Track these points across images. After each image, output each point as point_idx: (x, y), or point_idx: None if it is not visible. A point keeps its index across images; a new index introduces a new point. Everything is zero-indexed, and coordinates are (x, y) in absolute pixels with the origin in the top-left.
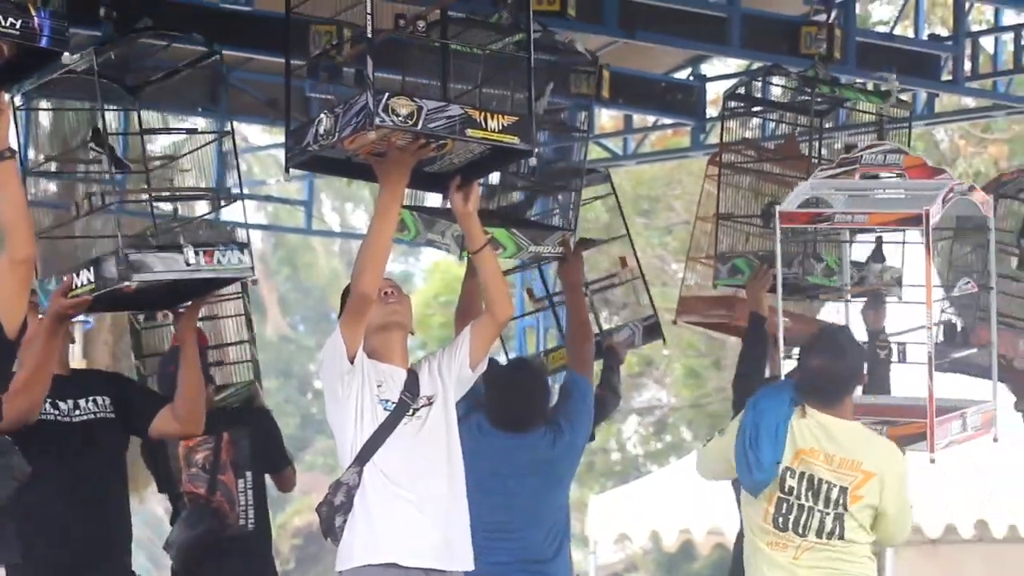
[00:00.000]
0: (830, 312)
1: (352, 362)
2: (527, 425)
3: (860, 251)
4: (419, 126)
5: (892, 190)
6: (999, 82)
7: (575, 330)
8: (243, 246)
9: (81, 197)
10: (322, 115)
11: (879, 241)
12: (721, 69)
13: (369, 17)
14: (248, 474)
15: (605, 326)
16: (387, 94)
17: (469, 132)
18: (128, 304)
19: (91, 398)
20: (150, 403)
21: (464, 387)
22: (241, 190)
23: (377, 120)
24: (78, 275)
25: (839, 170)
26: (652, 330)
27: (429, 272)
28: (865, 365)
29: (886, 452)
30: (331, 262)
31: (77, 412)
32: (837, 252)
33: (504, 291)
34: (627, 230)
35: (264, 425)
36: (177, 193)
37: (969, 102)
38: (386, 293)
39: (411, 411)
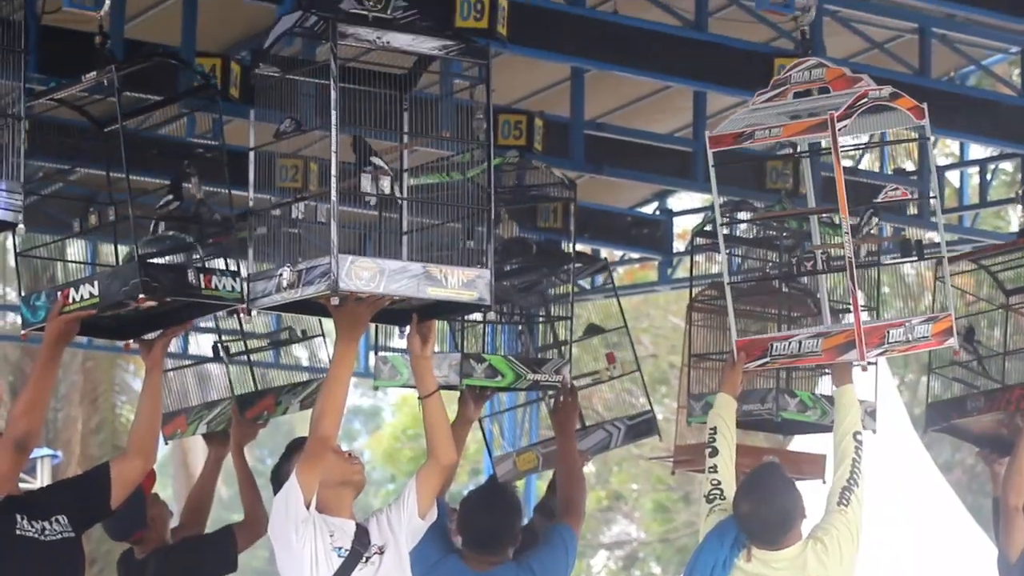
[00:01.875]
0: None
1: (308, 508)
2: (497, 544)
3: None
4: (381, 288)
5: (813, 104)
6: (965, 216)
7: (566, 478)
8: (235, 274)
9: (85, 213)
10: (285, 269)
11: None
12: (688, 203)
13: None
14: None
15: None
16: (350, 259)
17: (430, 291)
18: (107, 330)
19: (53, 518)
20: (97, 476)
21: (416, 536)
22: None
23: (340, 285)
24: (76, 289)
25: (773, 92)
26: (643, 428)
27: (397, 407)
28: (802, 500)
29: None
30: None
31: (46, 533)
32: (809, 387)
33: (449, 437)
34: (624, 322)
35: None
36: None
37: (935, 237)
38: (349, 454)
39: (364, 559)
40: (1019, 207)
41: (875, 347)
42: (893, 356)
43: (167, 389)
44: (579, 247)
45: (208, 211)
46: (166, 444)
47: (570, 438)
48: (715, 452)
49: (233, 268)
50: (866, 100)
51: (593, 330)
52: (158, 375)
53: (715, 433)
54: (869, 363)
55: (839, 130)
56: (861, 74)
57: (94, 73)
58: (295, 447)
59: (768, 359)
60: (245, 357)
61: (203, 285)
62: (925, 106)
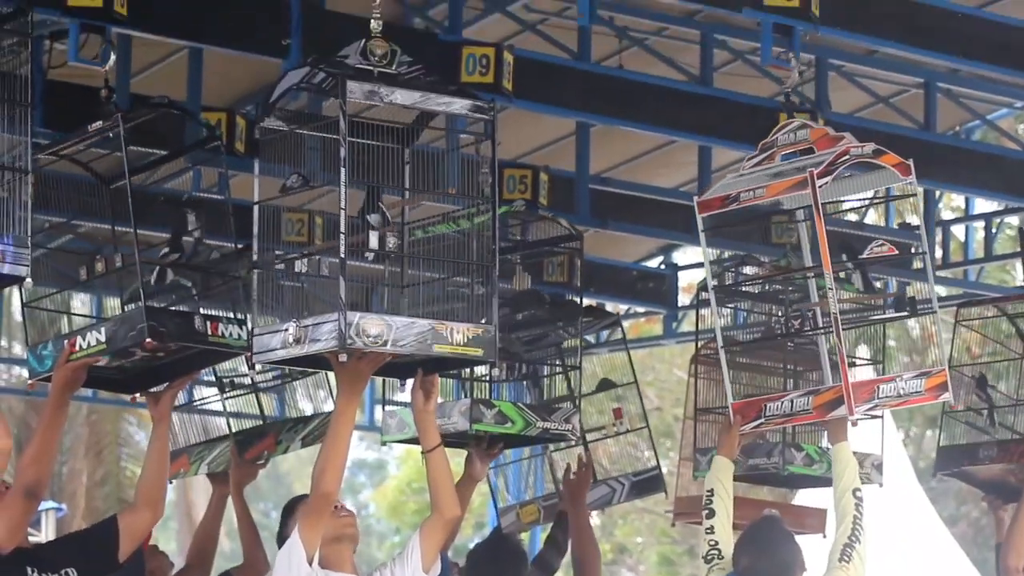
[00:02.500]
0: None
1: (310, 564)
2: None
3: None
4: (388, 345)
5: (798, 165)
6: (969, 270)
7: (582, 548)
8: (241, 322)
9: (92, 261)
10: (291, 324)
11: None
12: (693, 257)
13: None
14: None
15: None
16: (358, 315)
17: (436, 348)
18: (113, 383)
19: (63, 571)
20: (105, 528)
21: None
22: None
23: (348, 342)
24: (83, 337)
25: (761, 156)
26: (648, 484)
27: (402, 459)
28: (802, 554)
29: None
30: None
31: None
32: (815, 440)
33: (452, 491)
34: (635, 378)
35: None
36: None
37: (941, 290)
38: (337, 507)
39: None
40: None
41: (865, 402)
42: (887, 411)
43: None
44: (588, 301)
45: (207, 249)
46: (170, 483)
47: (583, 507)
48: (712, 513)
49: (240, 316)
50: (848, 157)
51: (605, 384)
52: (165, 428)
53: (712, 494)
54: (864, 417)
55: (820, 187)
56: (843, 132)
57: (100, 123)
58: (292, 507)
59: (762, 420)
60: (247, 389)
61: (210, 332)
62: (911, 162)
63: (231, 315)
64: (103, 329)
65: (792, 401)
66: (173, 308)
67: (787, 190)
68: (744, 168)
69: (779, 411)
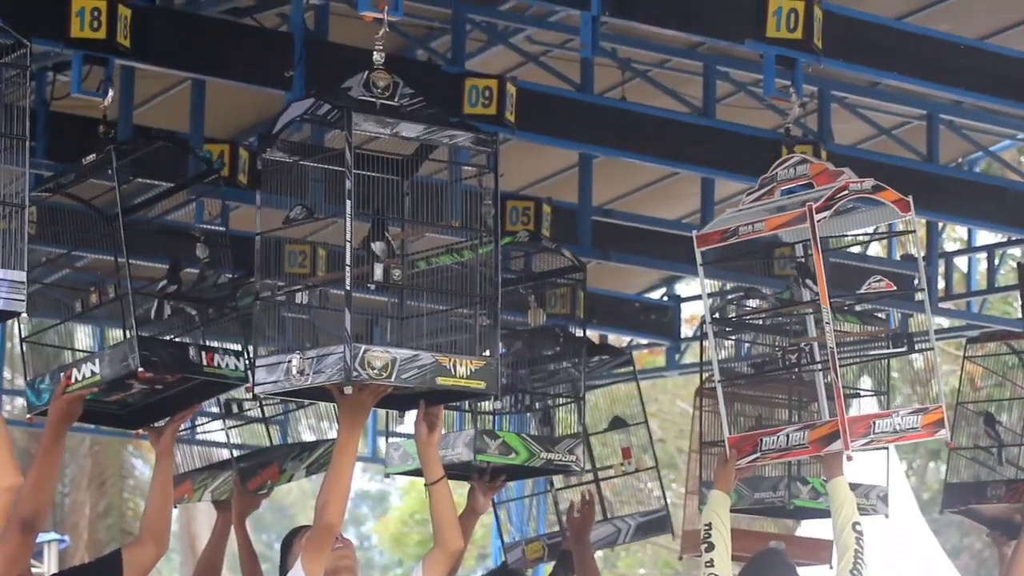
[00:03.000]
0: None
1: None
2: None
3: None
4: (393, 378)
5: (797, 200)
6: (972, 302)
7: None
8: (239, 354)
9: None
10: (294, 356)
11: None
12: (695, 289)
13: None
14: None
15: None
16: (363, 348)
17: (439, 380)
18: (116, 418)
19: None
20: (109, 563)
21: None
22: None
23: (354, 375)
24: (78, 369)
25: (761, 191)
26: (655, 525)
27: (405, 491)
28: None
29: None
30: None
31: None
32: (821, 474)
33: (455, 524)
34: (645, 417)
35: None
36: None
37: (943, 322)
38: (336, 538)
39: None
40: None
41: (860, 437)
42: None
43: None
44: (590, 333)
45: (215, 274)
46: (175, 508)
47: (587, 545)
48: (711, 547)
49: (237, 348)
50: (847, 192)
51: (617, 423)
52: (168, 462)
53: (710, 528)
54: (860, 451)
55: (818, 221)
56: (843, 168)
57: (93, 156)
58: (290, 541)
59: (758, 454)
60: (252, 418)
61: (205, 363)
62: (910, 198)
63: (229, 346)
64: (97, 361)
65: (788, 435)
66: (167, 338)
67: (786, 224)
68: (744, 203)
69: (775, 445)
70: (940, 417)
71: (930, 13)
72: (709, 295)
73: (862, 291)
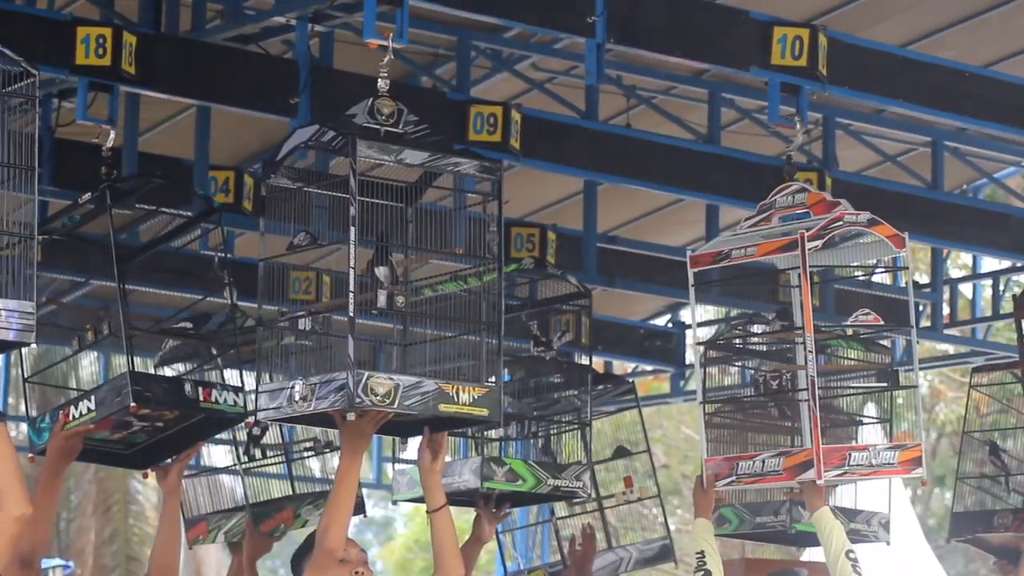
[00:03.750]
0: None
1: None
2: None
3: (847, 497)
4: (395, 404)
5: (792, 227)
6: (977, 328)
7: None
8: (238, 389)
9: (86, 330)
10: (297, 382)
11: None
12: (700, 316)
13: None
14: None
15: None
16: (366, 374)
17: (442, 407)
18: (122, 458)
19: None
20: None
21: None
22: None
23: (356, 401)
24: (75, 406)
25: (759, 217)
26: (658, 554)
27: (410, 517)
28: None
29: None
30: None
31: None
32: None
33: (457, 552)
34: (648, 446)
35: None
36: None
37: (948, 348)
38: (342, 560)
39: None
40: None
41: (835, 468)
42: (853, 480)
43: (185, 496)
44: (595, 360)
45: (242, 316)
46: (190, 548)
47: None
48: (708, 574)
49: (236, 383)
50: (841, 223)
51: (621, 452)
52: (175, 501)
53: (703, 556)
54: (833, 483)
55: (809, 250)
56: (840, 199)
57: (89, 194)
58: (300, 564)
59: (734, 478)
60: (261, 465)
61: (202, 398)
62: (906, 235)
63: (228, 381)
64: (93, 397)
65: (764, 461)
66: (160, 374)
67: (777, 250)
68: (740, 227)
69: (750, 470)
70: (918, 455)
71: (934, 41)
72: (712, 322)
73: (850, 322)
